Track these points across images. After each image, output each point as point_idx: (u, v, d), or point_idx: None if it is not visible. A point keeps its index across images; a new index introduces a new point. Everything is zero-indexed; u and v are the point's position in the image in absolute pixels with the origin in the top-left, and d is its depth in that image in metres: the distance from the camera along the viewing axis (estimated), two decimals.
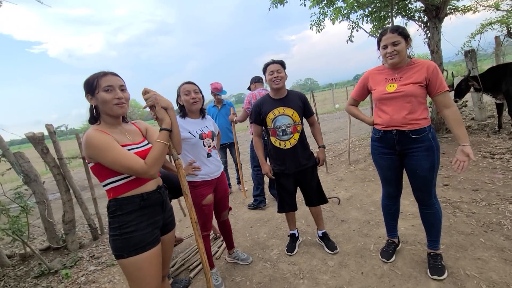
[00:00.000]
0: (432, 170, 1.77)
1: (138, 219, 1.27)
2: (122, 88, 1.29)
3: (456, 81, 4.81)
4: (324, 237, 2.44)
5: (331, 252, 2.32)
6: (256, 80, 3.66)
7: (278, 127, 2.18)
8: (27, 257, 3.05)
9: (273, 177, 2.31)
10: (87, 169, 3.41)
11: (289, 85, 2.31)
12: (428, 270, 1.89)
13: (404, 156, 1.84)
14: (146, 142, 1.41)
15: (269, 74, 2.16)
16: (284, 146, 2.19)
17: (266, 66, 2.20)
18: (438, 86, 1.68)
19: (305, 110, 2.26)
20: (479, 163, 3.73)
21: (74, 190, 3.21)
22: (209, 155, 2.03)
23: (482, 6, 6.99)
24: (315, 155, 2.33)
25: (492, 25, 6.75)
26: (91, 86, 1.23)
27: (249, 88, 3.76)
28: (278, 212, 2.41)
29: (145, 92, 1.33)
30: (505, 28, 6.53)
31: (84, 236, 3.54)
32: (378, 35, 1.85)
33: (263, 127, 2.31)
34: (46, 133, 3.00)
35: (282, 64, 2.19)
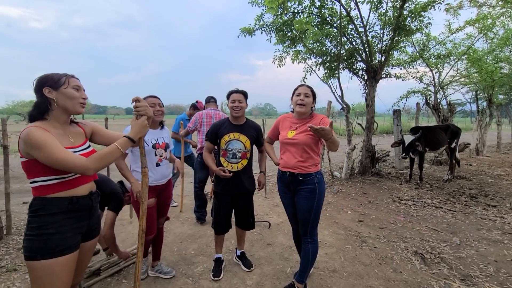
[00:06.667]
0: (310, 212, 2.03)
1: (62, 222, 1.27)
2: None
3: (406, 139, 5.24)
4: (242, 256, 2.63)
5: (248, 270, 2.51)
6: (207, 100, 3.87)
7: (229, 149, 2.34)
8: None
9: (229, 175, 2.28)
10: (6, 160, 3.06)
11: (249, 107, 2.51)
12: None
13: (295, 194, 2.12)
14: (87, 144, 1.44)
15: (231, 102, 2.33)
16: (231, 168, 2.34)
17: (229, 94, 2.37)
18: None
19: (257, 140, 2.47)
20: (389, 205, 4.41)
21: None
22: (158, 164, 2.16)
23: (411, 76, 8.57)
24: (256, 179, 2.52)
25: (415, 93, 8.33)
26: (57, 81, 1.27)
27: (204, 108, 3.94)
28: (213, 228, 2.50)
29: (137, 100, 1.44)
30: (424, 98, 8.08)
31: None
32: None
33: (216, 147, 2.44)
34: None
35: (244, 94, 2.38)
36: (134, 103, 1.46)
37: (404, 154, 5.26)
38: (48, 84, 1.27)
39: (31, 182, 1.25)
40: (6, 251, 2.78)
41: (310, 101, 2.09)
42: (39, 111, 1.27)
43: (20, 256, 2.69)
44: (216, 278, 2.39)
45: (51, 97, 1.27)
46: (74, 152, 1.31)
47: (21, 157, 1.23)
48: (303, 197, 2.05)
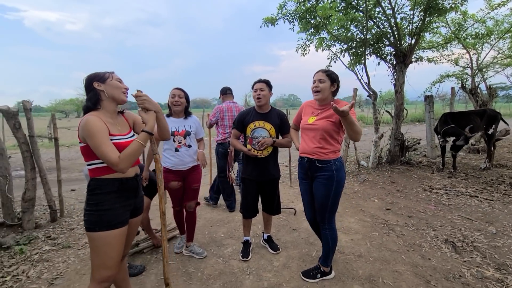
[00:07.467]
0: (327, 199, 2.04)
1: (114, 200, 1.47)
2: None
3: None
4: (269, 240, 2.76)
5: (274, 252, 2.64)
6: (223, 92, 3.83)
7: (255, 137, 2.45)
8: None
9: (256, 155, 2.42)
10: (57, 151, 3.43)
11: (273, 98, 2.62)
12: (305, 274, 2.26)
13: (313, 181, 2.14)
14: (132, 133, 1.63)
15: (254, 91, 2.45)
16: (258, 154, 2.44)
17: (253, 84, 2.49)
18: None
19: (282, 128, 2.52)
20: (419, 194, 4.28)
21: (40, 169, 3.22)
22: (176, 150, 2.39)
23: (445, 59, 8.02)
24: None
25: (449, 77, 7.78)
26: (103, 76, 1.48)
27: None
28: (240, 212, 2.65)
29: (137, 95, 1.51)
30: (460, 82, 7.54)
31: (42, 217, 3.50)
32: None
33: (242, 134, 2.56)
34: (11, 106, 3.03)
35: (266, 83, 2.47)
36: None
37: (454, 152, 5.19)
38: (96, 79, 1.48)
39: (88, 165, 1.46)
40: (61, 231, 3.16)
41: (326, 86, 2.03)
42: (92, 102, 1.47)
43: (73, 235, 3.05)
44: (245, 259, 2.54)
45: (101, 89, 1.47)
46: (121, 139, 1.49)
47: (80, 142, 1.44)
48: (320, 183, 2.06)
